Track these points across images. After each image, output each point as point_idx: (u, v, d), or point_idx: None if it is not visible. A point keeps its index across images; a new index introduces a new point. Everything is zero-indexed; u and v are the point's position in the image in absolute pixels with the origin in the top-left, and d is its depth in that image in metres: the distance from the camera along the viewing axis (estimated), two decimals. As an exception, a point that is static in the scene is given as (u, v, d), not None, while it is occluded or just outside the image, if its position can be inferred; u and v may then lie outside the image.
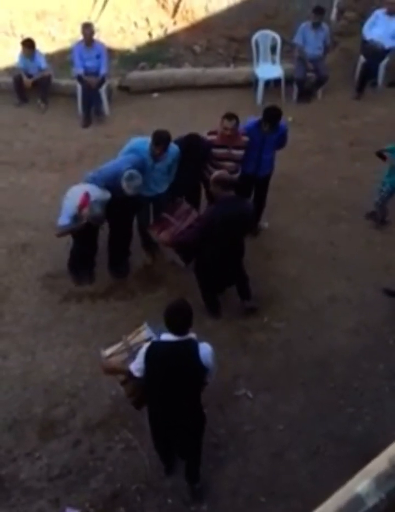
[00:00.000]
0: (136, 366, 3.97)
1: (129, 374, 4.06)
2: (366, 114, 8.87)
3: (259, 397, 5.32)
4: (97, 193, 5.66)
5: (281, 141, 6.37)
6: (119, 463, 4.86)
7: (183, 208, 5.93)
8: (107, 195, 5.70)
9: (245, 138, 6.13)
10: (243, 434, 5.06)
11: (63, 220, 5.65)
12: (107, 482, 4.73)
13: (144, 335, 4.30)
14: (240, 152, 6.14)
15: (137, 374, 3.99)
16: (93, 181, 5.80)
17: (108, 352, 4.33)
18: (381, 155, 6.62)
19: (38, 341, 5.78)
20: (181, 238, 5.72)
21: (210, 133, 6.13)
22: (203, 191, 6.54)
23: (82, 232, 5.79)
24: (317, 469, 4.74)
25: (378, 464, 2.12)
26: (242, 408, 5.26)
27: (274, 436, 5.04)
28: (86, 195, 5.57)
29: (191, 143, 5.93)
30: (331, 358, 5.62)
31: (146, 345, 3.97)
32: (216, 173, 5.58)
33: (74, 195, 5.65)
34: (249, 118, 6.39)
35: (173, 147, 5.87)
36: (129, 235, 6.33)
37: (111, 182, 5.71)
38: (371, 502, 1.97)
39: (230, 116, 5.98)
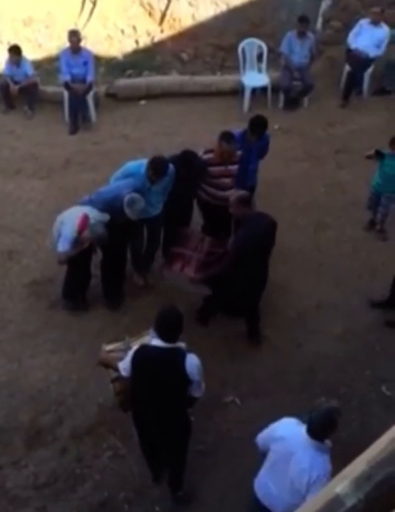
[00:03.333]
0: (124, 365, 4.01)
1: (117, 369, 4.10)
2: (352, 122, 8.95)
3: (246, 404, 5.33)
4: (95, 214, 5.48)
5: (263, 150, 6.38)
6: (106, 471, 4.84)
7: (196, 237, 5.78)
8: (106, 216, 5.51)
9: (238, 153, 6.05)
10: (231, 442, 5.05)
11: (64, 246, 5.42)
12: (95, 490, 4.71)
13: (146, 339, 4.31)
14: (235, 167, 6.06)
15: (123, 373, 4.02)
16: (90, 203, 5.62)
17: (108, 347, 4.41)
18: (379, 153, 6.54)
19: (25, 348, 5.75)
20: (213, 271, 5.44)
21: (207, 152, 6.01)
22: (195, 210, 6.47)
23: (78, 258, 5.63)
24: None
25: (356, 466, 2.17)
26: (230, 414, 5.26)
27: (261, 442, 5.04)
28: (85, 217, 5.38)
29: (187, 160, 5.78)
30: (317, 364, 5.64)
31: (135, 347, 3.99)
32: (234, 195, 5.34)
33: (71, 219, 5.44)
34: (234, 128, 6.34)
35: (169, 167, 5.70)
36: (124, 261, 6.15)
37: (109, 206, 5.52)
38: (349, 503, 2.02)
39: (228, 138, 5.84)
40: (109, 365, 4.32)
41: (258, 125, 6.08)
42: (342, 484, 2.02)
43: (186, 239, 5.80)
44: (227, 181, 6.06)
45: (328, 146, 8.49)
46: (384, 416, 5.13)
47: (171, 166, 5.73)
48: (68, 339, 5.83)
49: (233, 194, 5.40)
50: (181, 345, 3.94)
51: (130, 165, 5.85)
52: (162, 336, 3.85)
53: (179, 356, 3.85)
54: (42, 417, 5.19)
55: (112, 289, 6.19)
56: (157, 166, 5.59)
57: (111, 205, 5.51)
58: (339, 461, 4.62)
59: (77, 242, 5.44)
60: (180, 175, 5.79)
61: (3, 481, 4.75)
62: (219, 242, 5.83)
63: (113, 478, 4.79)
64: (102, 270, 6.07)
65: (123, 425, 4.95)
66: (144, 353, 3.92)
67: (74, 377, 5.49)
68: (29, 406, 5.26)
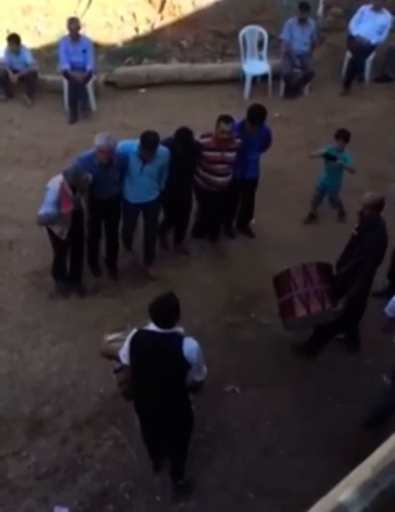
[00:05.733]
0: (123, 351, 4.01)
1: (119, 359, 4.10)
2: (353, 110, 8.91)
3: (246, 393, 5.33)
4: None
5: (265, 142, 6.31)
6: (107, 461, 4.86)
7: (297, 272, 5.23)
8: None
9: (237, 140, 5.98)
10: (231, 431, 5.07)
11: (45, 208, 5.40)
12: (96, 480, 4.73)
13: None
14: (232, 154, 5.99)
15: (123, 359, 4.02)
16: None
17: (110, 337, 4.42)
18: (330, 157, 6.70)
19: (25, 339, 5.75)
20: (352, 291, 5.04)
21: (204, 136, 5.94)
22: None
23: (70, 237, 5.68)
24: (305, 465, 4.77)
25: (361, 472, 2.08)
26: (230, 404, 5.27)
27: (261, 432, 5.06)
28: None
29: (183, 138, 5.71)
30: (318, 354, 5.64)
31: (133, 331, 3.97)
32: (370, 195, 4.92)
33: (54, 183, 5.47)
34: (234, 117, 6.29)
35: (162, 149, 5.62)
36: (115, 237, 6.22)
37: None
38: (355, 512, 1.96)
39: (227, 119, 5.78)
40: (112, 355, 4.33)
41: (257, 114, 6.02)
42: (345, 492, 1.95)
43: (290, 280, 5.22)
44: (223, 167, 6.03)
45: (329, 134, 8.38)
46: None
47: (165, 149, 5.66)
48: (68, 329, 5.84)
49: (369, 194, 4.95)
50: (179, 329, 3.90)
51: (123, 143, 5.78)
52: (156, 322, 3.82)
53: (176, 340, 3.82)
54: (43, 407, 5.20)
55: (94, 258, 6.32)
56: (146, 140, 5.50)
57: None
58: (341, 453, 4.70)
59: (58, 203, 5.40)
60: (176, 155, 5.72)
61: (5, 471, 4.77)
62: (322, 263, 5.40)
63: (114, 468, 4.81)
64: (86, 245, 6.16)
65: (123, 415, 4.98)
66: (141, 338, 3.90)
67: (74, 367, 5.50)
68: (30, 397, 5.28)
